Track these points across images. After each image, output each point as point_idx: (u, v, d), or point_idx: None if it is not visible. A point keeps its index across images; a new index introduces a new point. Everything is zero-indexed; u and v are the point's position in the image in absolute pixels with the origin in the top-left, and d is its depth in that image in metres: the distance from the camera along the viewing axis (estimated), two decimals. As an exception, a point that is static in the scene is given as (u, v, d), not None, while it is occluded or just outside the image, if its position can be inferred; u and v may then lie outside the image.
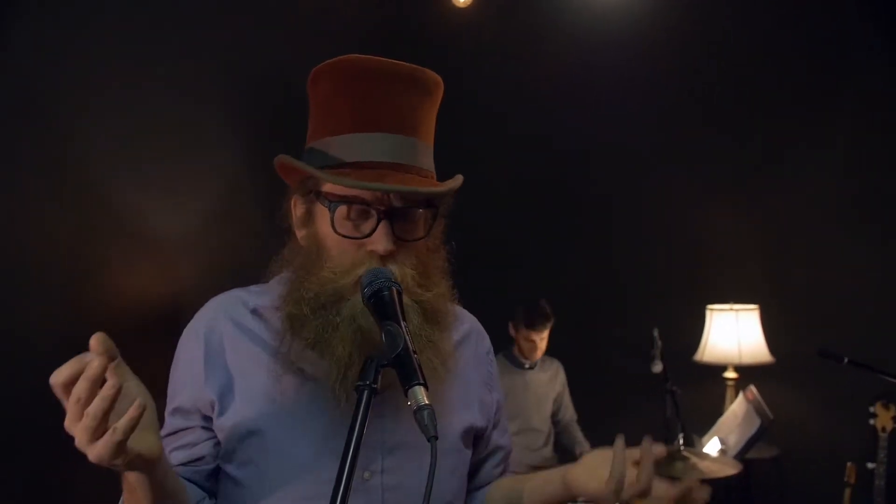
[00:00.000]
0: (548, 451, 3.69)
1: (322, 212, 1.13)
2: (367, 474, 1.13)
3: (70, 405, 0.83)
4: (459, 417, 1.22)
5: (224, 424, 1.14)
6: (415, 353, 0.94)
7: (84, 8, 2.41)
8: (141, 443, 0.88)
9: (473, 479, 1.34)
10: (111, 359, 0.85)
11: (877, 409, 2.96)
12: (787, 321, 3.67)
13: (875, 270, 3.57)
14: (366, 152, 1.10)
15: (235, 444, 1.14)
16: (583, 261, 4.24)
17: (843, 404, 3.43)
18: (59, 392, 0.83)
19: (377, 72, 1.12)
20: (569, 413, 3.81)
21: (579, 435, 3.73)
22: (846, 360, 2.69)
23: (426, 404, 0.88)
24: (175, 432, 1.18)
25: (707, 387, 3.71)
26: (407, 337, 0.95)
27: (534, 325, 3.57)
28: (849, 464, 2.95)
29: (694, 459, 2.74)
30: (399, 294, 1.03)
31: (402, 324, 0.97)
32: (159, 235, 2.69)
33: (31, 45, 2.28)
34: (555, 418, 3.78)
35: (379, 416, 1.12)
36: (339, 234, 1.10)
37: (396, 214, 1.10)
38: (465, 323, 1.34)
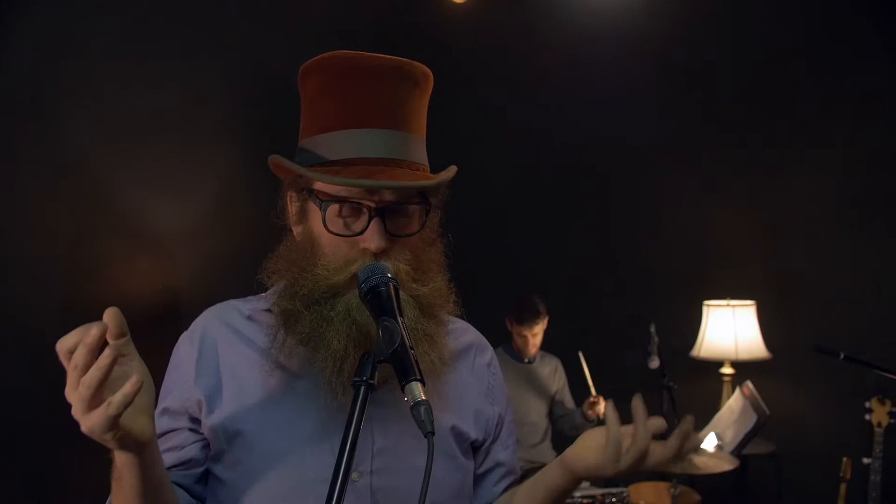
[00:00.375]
0: (545, 447, 3.70)
1: (314, 210, 1.13)
2: (355, 475, 1.12)
3: (69, 372, 0.84)
4: (447, 419, 1.20)
5: (211, 424, 1.14)
6: (411, 348, 0.94)
7: (83, 7, 2.41)
8: (134, 422, 0.89)
9: (474, 495, 1.31)
10: (120, 335, 0.87)
11: (873, 404, 2.98)
12: (784, 317, 3.68)
13: (871, 266, 3.58)
14: (354, 149, 1.10)
15: (223, 444, 1.14)
16: (580, 256, 4.25)
17: (839, 400, 3.45)
18: (63, 359, 0.85)
19: (364, 67, 1.11)
20: (571, 405, 3.83)
21: (574, 409, 3.73)
22: (842, 355, 2.70)
23: (423, 400, 0.88)
24: (163, 434, 1.17)
25: (704, 382, 3.73)
26: (404, 333, 0.95)
27: (522, 321, 3.59)
28: (845, 459, 2.96)
29: (690, 455, 2.75)
30: (396, 290, 1.03)
31: (400, 319, 0.97)
32: (158, 233, 2.69)
33: (31, 45, 2.28)
34: (553, 416, 3.79)
35: (368, 417, 1.10)
36: (331, 232, 1.10)
37: (389, 210, 1.10)
38: (467, 336, 1.33)
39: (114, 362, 0.83)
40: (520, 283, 3.91)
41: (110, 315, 0.86)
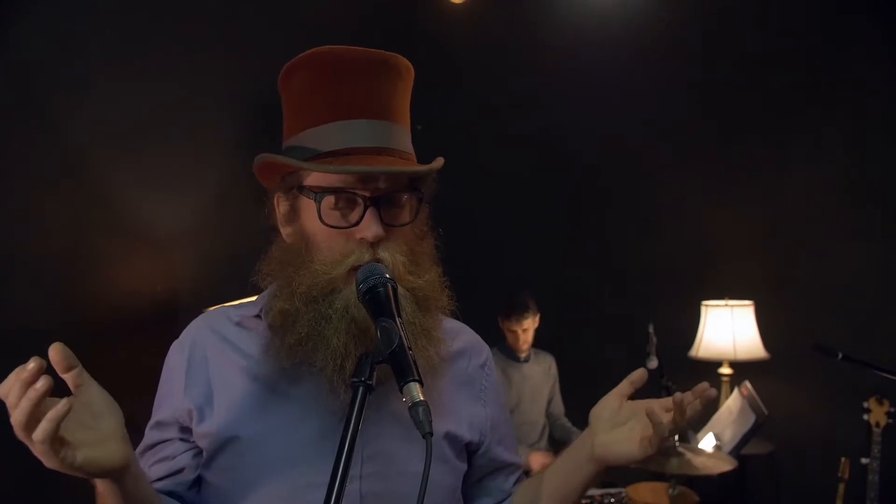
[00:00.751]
0: (543, 444, 3.70)
1: (307, 205, 1.12)
2: None
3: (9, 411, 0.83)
4: (442, 424, 1.19)
5: (203, 432, 1.13)
6: (410, 349, 0.94)
7: (83, 7, 2.41)
8: (98, 451, 0.89)
9: (484, 496, 1.32)
10: (69, 367, 0.87)
11: (871, 404, 2.97)
12: (782, 317, 3.68)
13: (870, 266, 3.58)
14: (347, 139, 1.10)
15: (215, 451, 1.14)
16: (578, 256, 4.25)
17: (837, 400, 3.45)
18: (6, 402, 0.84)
19: (349, 60, 1.12)
20: (559, 407, 3.83)
21: (572, 427, 3.75)
22: (840, 355, 2.71)
23: (422, 401, 0.88)
24: (154, 445, 1.18)
25: (702, 382, 3.72)
26: (402, 333, 0.95)
27: (510, 315, 3.58)
28: (843, 459, 2.96)
29: (689, 455, 2.76)
30: (394, 290, 1.03)
31: (398, 320, 0.97)
32: (156, 232, 2.69)
33: (29, 43, 2.27)
34: (547, 412, 3.79)
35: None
36: (327, 224, 1.10)
37: (383, 200, 1.10)
38: (461, 338, 1.32)
39: (46, 392, 0.82)
40: (516, 283, 3.90)
41: (55, 350, 0.86)
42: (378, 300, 1.00)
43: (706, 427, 3.32)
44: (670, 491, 2.91)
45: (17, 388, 0.82)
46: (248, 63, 3.03)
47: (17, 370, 0.83)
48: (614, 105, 4.09)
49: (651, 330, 3.04)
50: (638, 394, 1.15)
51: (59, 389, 0.85)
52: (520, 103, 4.29)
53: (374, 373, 0.94)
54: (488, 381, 1.33)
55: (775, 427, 3.44)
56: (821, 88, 3.74)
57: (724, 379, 3.64)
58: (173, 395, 1.17)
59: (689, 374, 3.64)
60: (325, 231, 1.10)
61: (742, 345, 3.59)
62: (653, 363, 2.96)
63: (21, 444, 0.84)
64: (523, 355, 3.70)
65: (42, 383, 0.81)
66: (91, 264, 2.47)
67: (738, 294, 3.71)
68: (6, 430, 0.84)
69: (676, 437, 2.81)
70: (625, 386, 1.15)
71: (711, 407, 3.48)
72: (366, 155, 1.10)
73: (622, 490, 3.11)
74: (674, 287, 3.95)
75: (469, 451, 1.28)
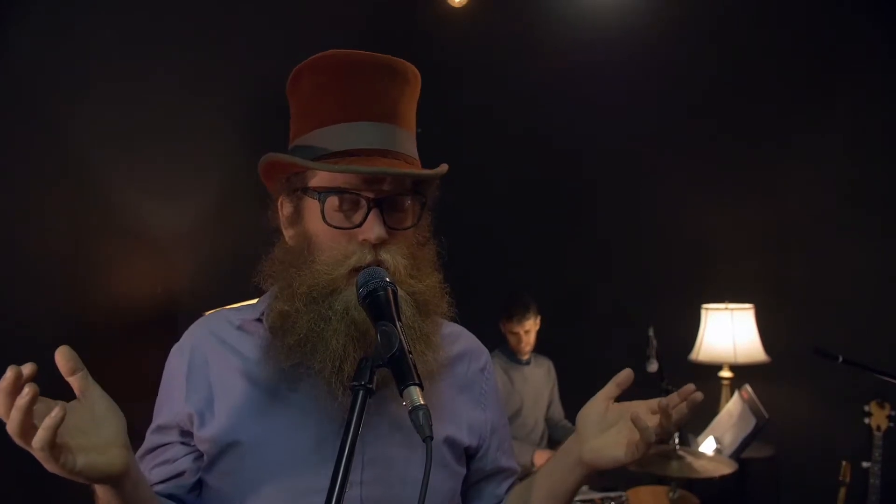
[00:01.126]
0: (543, 447, 3.69)
1: (311, 206, 1.13)
2: None
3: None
4: (441, 429, 1.18)
5: (204, 436, 1.13)
6: (410, 353, 0.94)
7: (83, 7, 2.41)
8: (99, 458, 0.88)
9: (476, 500, 1.31)
10: (73, 370, 0.87)
11: (872, 408, 2.97)
12: (783, 320, 3.68)
13: (870, 270, 3.58)
14: (354, 140, 1.11)
15: (216, 455, 1.13)
16: (578, 259, 4.25)
17: (838, 403, 3.44)
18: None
19: (359, 64, 1.13)
20: (559, 411, 3.83)
21: (573, 427, 3.74)
22: (841, 358, 2.70)
23: (422, 404, 0.88)
24: (154, 449, 1.18)
25: (702, 386, 3.67)
26: (402, 337, 0.95)
27: (511, 316, 3.58)
28: (844, 463, 2.96)
29: (689, 458, 2.75)
30: (395, 294, 1.03)
31: (398, 324, 0.97)
32: (156, 232, 2.69)
33: (31, 45, 2.27)
34: (546, 416, 3.78)
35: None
36: (330, 225, 1.10)
37: (386, 203, 1.10)
38: (461, 342, 1.32)
39: (32, 401, 0.81)
40: (516, 287, 3.90)
41: (61, 353, 0.86)
42: (378, 304, 1.00)
43: (707, 430, 3.32)
44: (671, 494, 2.90)
45: (1, 399, 0.81)
46: (249, 64, 3.03)
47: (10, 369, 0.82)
48: (614, 106, 4.09)
49: (651, 333, 3.03)
50: (638, 397, 1.14)
51: (65, 391, 0.84)
52: (519, 105, 4.29)
53: (375, 376, 0.93)
54: (488, 385, 1.33)
55: (776, 430, 3.44)
56: (821, 91, 3.74)
57: (725, 382, 3.63)
58: (174, 400, 1.17)
59: (689, 377, 3.59)
60: (328, 231, 1.10)
61: (742, 348, 3.58)
62: (653, 366, 2.95)
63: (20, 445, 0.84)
64: (525, 357, 3.69)
65: (27, 392, 0.81)
66: (91, 265, 2.46)
67: (739, 297, 3.70)
68: (6, 430, 0.83)
69: (677, 440, 2.80)
70: (611, 388, 1.13)
71: (712, 410, 3.47)
72: (371, 157, 1.10)
73: (622, 494, 3.10)
74: (674, 290, 3.95)
75: (468, 455, 1.27)
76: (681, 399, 1.07)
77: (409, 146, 1.16)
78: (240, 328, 1.20)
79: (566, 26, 4.17)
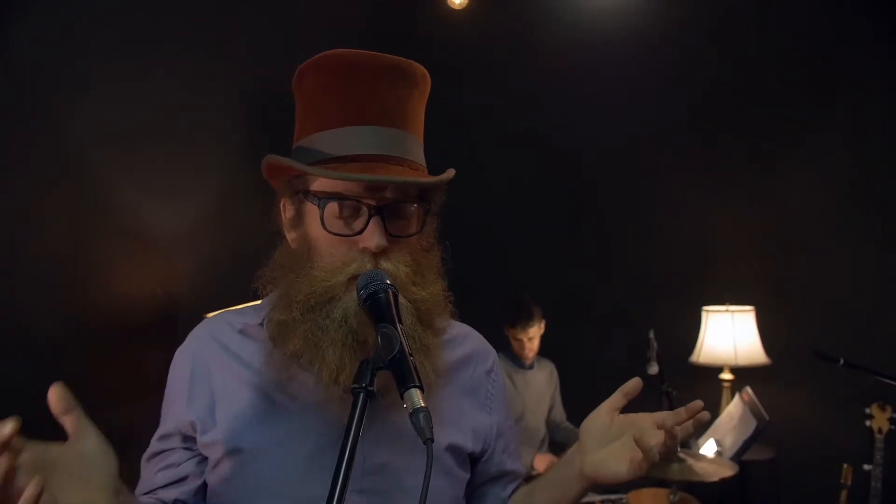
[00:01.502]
0: (544, 450, 3.68)
1: (312, 211, 1.10)
2: None
3: None
4: (444, 436, 1.17)
5: (206, 442, 1.13)
6: (411, 355, 0.92)
7: (82, 7, 2.40)
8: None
9: (479, 503, 1.30)
10: (66, 410, 0.84)
11: (873, 410, 2.96)
12: (783, 322, 3.67)
13: (871, 272, 3.57)
14: (355, 145, 1.07)
15: (218, 461, 1.13)
16: (579, 262, 4.24)
17: (839, 406, 3.44)
18: None
19: (362, 65, 1.09)
20: (560, 413, 3.82)
21: (575, 428, 3.73)
22: (842, 361, 2.69)
23: (422, 407, 0.87)
24: (159, 453, 1.18)
25: (703, 388, 3.71)
26: (403, 339, 0.93)
27: (516, 323, 3.55)
28: (845, 465, 2.95)
29: (690, 461, 2.74)
30: (395, 296, 1.01)
31: (399, 326, 0.96)
32: (156, 233, 2.68)
33: (30, 45, 2.27)
34: (548, 419, 3.77)
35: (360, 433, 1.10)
36: (329, 232, 1.07)
37: (388, 210, 1.07)
38: (468, 344, 1.30)
39: (6, 474, 0.78)
40: (516, 287, 3.89)
41: (54, 392, 0.83)
42: (379, 306, 0.99)
43: (707, 433, 3.31)
44: (671, 497, 2.89)
45: None
46: (249, 64, 3.03)
47: None
48: (614, 106, 4.09)
49: (652, 335, 3.02)
50: (638, 399, 1.13)
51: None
52: (519, 105, 4.29)
53: (375, 379, 0.92)
54: (494, 387, 1.30)
55: (777, 433, 3.43)
56: (821, 92, 3.73)
57: (725, 384, 3.63)
58: (176, 407, 1.17)
59: (689, 379, 3.64)
60: (328, 238, 1.08)
61: (743, 350, 3.58)
62: (653, 369, 2.94)
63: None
64: (528, 362, 3.68)
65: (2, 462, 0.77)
66: (91, 265, 2.45)
67: (739, 300, 3.70)
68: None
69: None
70: (618, 398, 1.11)
71: (712, 412, 3.45)
72: (373, 163, 1.07)
73: (623, 496, 3.09)
74: (674, 293, 3.94)
75: (472, 459, 1.26)
76: (688, 416, 1.05)
77: (415, 151, 1.13)
78: (241, 332, 1.18)
79: (566, 26, 4.16)
